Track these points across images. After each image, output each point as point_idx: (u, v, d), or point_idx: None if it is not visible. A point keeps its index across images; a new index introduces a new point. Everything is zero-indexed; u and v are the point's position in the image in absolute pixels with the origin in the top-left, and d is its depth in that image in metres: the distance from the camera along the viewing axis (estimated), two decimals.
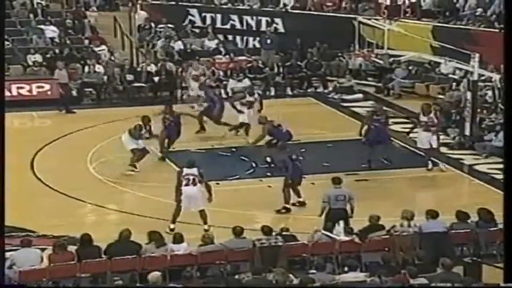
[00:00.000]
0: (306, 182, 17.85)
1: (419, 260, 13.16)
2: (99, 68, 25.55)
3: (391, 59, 26.36)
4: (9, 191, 11.15)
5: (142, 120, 19.19)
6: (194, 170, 15.69)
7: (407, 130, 20.74)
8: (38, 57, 26.00)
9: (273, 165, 18.91)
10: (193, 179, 15.59)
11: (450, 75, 24.94)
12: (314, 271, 13.01)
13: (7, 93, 23.47)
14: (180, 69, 25.95)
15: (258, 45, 28.50)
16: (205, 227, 15.56)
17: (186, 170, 15.73)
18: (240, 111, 20.92)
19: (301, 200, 16.84)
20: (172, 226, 15.54)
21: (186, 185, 15.58)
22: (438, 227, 14.25)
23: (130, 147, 18.83)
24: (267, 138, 19.55)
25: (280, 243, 13.77)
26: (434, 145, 18.97)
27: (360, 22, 26.84)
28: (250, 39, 29.15)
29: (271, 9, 29.25)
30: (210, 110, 21.47)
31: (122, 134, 19.05)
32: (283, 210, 16.64)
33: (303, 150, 20.24)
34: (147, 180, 18.31)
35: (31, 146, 20.07)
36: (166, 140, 19.80)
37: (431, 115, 18.96)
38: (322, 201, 15.14)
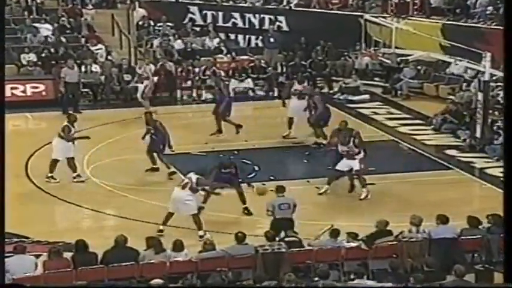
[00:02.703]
0: (310, 186, 17.55)
1: (429, 267, 12.80)
2: (96, 68, 25.12)
3: (399, 59, 26.07)
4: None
5: (69, 118, 18.34)
6: (191, 175, 15.45)
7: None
8: (33, 57, 25.57)
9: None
10: (186, 183, 15.35)
11: (460, 75, 24.61)
12: (319, 278, 12.51)
13: None
14: (180, 69, 25.50)
15: (260, 44, 28.13)
16: (200, 232, 15.27)
17: (190, 174, 15.54)
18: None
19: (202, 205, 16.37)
20: (161, 227, 15.35)
21: (178, 185, 15.46)
22: (448, 233, 13.84)
23: (67, 155, 18.00)
24: None
25: (283, 250, 13.37)
26: (356, 168, 17.37)
27: (366, 20, 26.64)
28: (253, 38, 28.77)
29: (274, 6, 28.90)
30: (216, 107, 21.00)
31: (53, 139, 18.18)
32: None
33: (307, 153, 19.93)
34: (145, 184, 17.94)
35: (25, 149, 19.66)
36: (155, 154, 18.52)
37: (351, 144, 17.31)
38: (266, 209, 14.88)
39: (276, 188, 15.26)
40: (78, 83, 23.95)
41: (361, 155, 17.24)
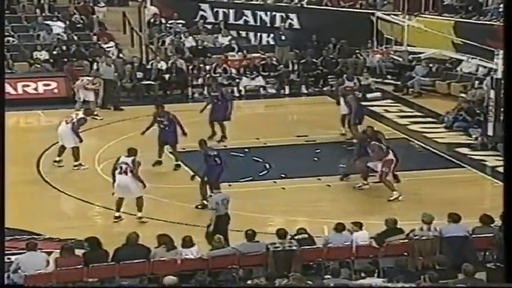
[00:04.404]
0: (321, 184, 17.48)
1: (440, 266, 12.71)
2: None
3: (411, 56, 26.00)
4: (15, 192, 10.68)
5: (85, 113, 18.88)
6: (129, 160, 15.80)
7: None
8: (45, 54, 25.59)
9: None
10: (126, 168, 15.73)
11: (473, 73, 24.49)
12: (329, 276, 12.53)
13: (13, 92, 23.28)
14: (191, 67, 25.50)
15: (272, 42, 28.06)
16: (139, 214, 15.67)
17: (122, 158, 15.91)
18: None
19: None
20: (117, 214, 15.75)
21: (119, 173, 15.83)
22: (460, 231, 13.77)
23: (73, 144, 18.42)
24: None
25: (294, 248, 13.35)
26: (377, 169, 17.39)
27: (378, 18, 26.50)
28: (264, 35, 28.72)
29: (285, 4, 28.84)
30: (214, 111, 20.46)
31: (60, 126, 18.62)
32: (200, 206, 16.42)
33: (318, 150, 19.87)
34: (157, 182, 17.73)
35: (37, 146, 19.66)
36: (166, 146, 18.66)
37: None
38: (210, 208, 14.83)
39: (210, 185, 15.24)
40: (115, 80, 23.99)
41: (387, 157, 17.15)
